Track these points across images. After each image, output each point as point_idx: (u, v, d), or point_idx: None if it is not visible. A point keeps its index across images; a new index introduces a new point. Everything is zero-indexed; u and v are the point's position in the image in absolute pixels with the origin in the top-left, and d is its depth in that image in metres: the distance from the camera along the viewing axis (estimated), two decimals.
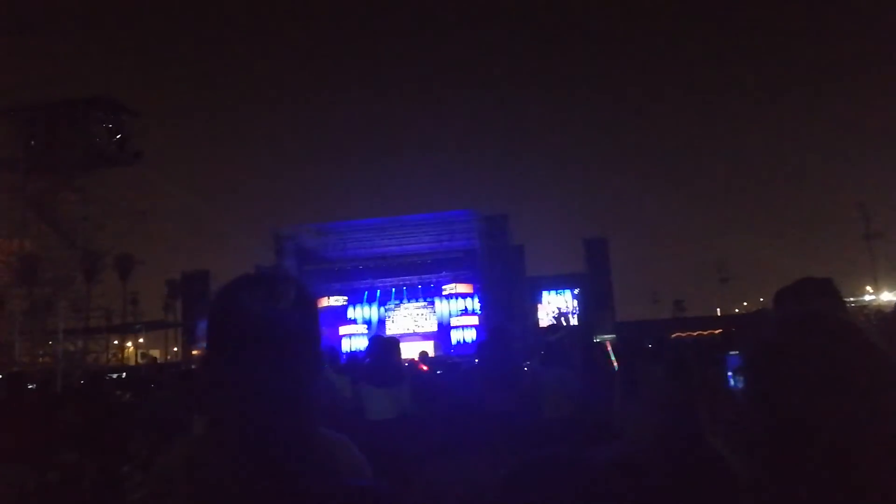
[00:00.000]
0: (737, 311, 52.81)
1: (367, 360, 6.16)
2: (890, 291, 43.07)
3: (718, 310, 52.11)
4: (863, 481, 0.87)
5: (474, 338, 30.96)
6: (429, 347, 26.22)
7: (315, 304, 1.39)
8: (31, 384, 8.87)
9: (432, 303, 34.21)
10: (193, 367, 14.42)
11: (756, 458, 0.95)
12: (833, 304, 2.48)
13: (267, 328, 1.21)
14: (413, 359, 11.36)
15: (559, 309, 34.45)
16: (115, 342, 37.38)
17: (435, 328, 33.64)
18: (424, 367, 10.90)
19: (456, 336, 32.90)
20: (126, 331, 38.50)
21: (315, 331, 1.33)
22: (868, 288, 46.90)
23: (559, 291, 35.34)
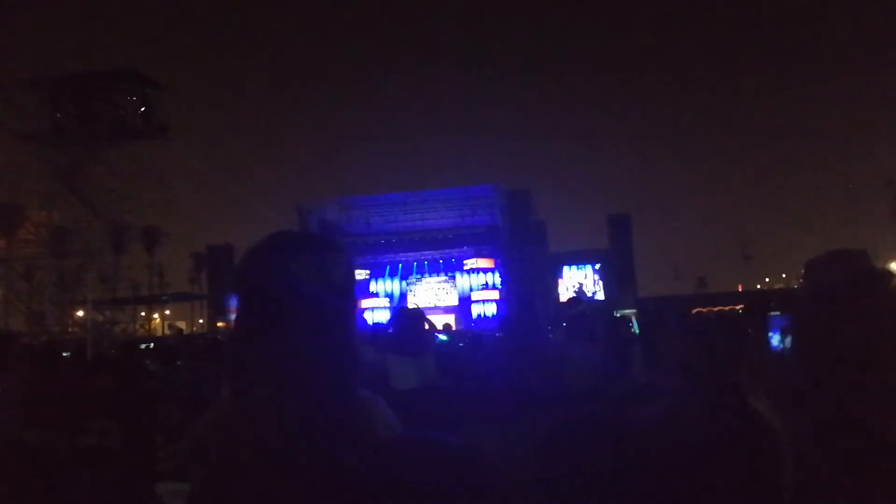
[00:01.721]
0: (758, 286, 52.49)
1: (392, 330, 6.23)
2: None
3: (740, 286, 51.75)
4: None
5: (495, 312, 31.07)
6: (450, 321, 26.36)
7: (354, 271, 1.38)
8: (64, 352, 9.07)
9: (453, 277, 34.31)
10: (219, 337, 14.62)
11: (805, 412, 0.96)
12: None
13: (318, 294, 1.20)
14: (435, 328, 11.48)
15: (580, 283, 34.45)
16: (143, 313, 38.04)
17: (456, 302, 33.77)
18: (443, 337, 11.04)
19: (476, 310, 33.00)
20: (153, 302, 39.06)
21: (354, 296, 1.33)
22: (893, 266, 46.29)
23: (580, 266, 35.23)
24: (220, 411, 1.27)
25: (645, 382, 5.25)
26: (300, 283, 1.20)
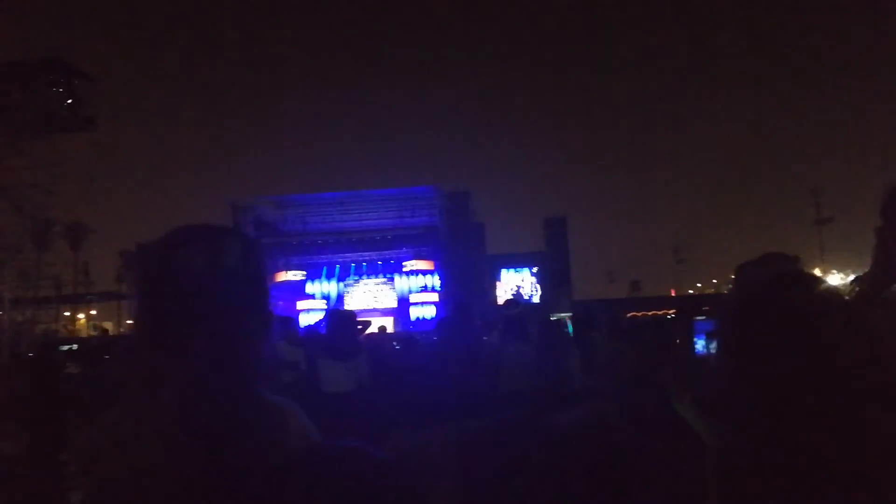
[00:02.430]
0: (690, 291, 54.09)
1: (323, 332, 6.13)
2: (836, 273, 44.49)
3: (673, 290, 53.15)
4: (837, 441, 0.86)
5: (433, 314, 31.02)
6: (388, 323, 26.21)
7: (263, 262, 1.29)
8: None
9: (392, 279, 34.12)
10: None
11: (727, 419, 0.94)
12: None
13: (212, 285, 1.12)
14: (372, 332, 11.34)
15: (518, 287, 34.76)
16: (66, 313, 36.64)
17: (394, 304, 33.57)
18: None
19: (415, 312, 32.87)
20: (77, 301, 37.70)
21: (263, 289, 1.24)
22: (815, 271, 48.38)
23: (518, 269, 35.56)
24: (114, 417, 1.21)
25: (580, 384, 5.30)
26: (190, 274, 1.11)
